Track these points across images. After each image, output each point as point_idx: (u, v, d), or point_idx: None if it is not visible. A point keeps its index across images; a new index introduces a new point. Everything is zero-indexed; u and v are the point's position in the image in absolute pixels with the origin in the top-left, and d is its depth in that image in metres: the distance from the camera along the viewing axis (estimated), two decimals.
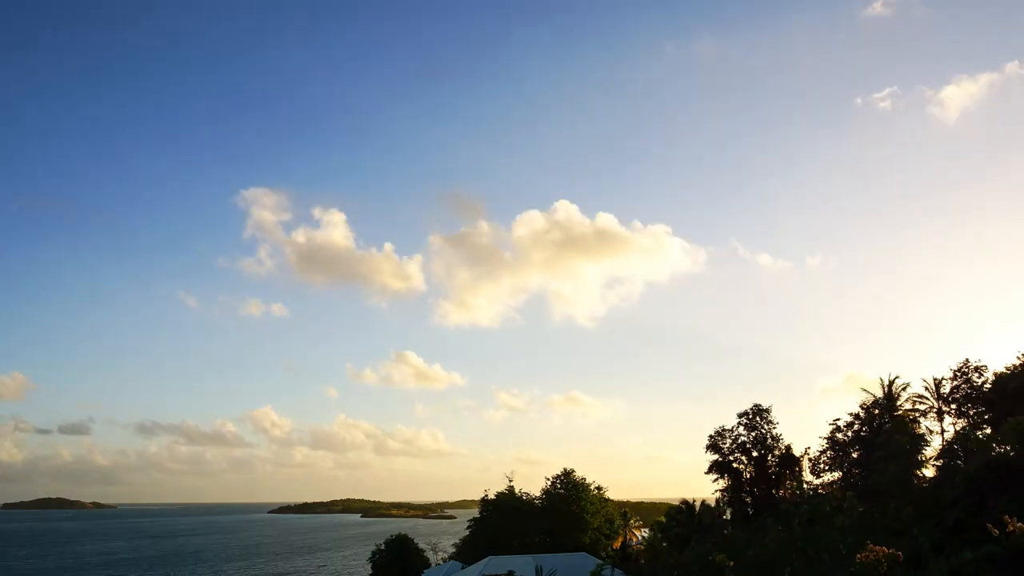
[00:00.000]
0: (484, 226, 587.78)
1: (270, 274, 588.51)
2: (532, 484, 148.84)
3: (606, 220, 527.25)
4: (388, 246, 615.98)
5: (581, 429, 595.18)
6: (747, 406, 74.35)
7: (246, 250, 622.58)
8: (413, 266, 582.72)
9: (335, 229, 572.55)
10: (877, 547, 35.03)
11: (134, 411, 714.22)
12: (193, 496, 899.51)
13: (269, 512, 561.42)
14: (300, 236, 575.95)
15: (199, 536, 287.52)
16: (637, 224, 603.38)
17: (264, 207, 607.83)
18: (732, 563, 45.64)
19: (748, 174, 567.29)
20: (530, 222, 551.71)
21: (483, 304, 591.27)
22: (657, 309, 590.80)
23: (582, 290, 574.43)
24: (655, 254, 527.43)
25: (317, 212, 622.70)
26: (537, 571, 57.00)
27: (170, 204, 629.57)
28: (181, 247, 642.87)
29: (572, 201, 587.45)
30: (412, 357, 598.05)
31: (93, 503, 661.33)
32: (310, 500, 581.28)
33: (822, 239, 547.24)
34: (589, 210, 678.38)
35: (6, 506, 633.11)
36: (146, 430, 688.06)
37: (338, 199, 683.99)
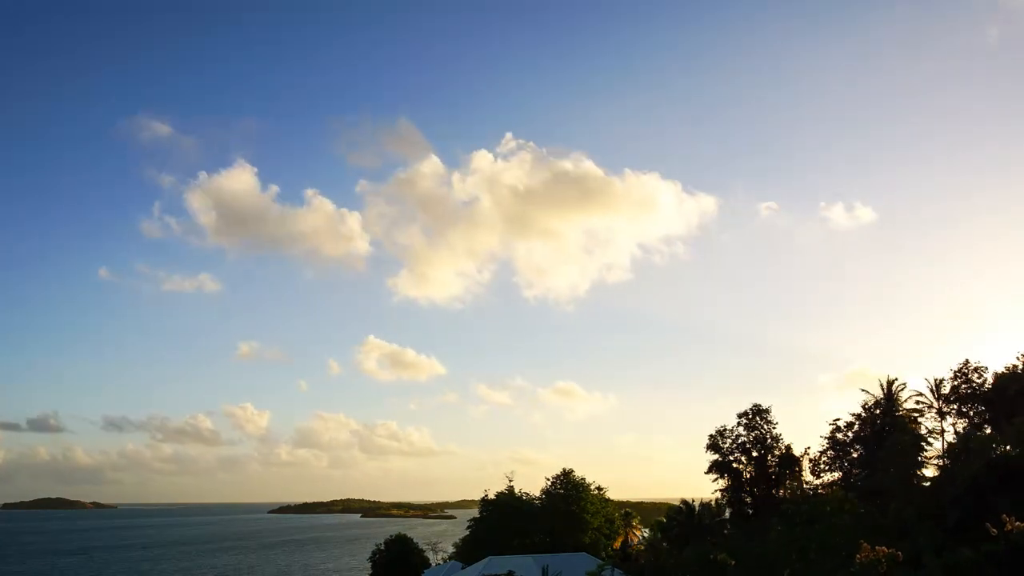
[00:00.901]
0: (428, 168, 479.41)
1: (179, 238, 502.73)
2: (526, 483, 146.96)
3: (579, 163, 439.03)
4: (311, 194, 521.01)
5: (572, 425, 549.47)
6: (747, 404, 74.86)
7: (141, 204, 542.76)
8: (351, 225, 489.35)
9: (240, 172, 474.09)
10: (878, 547, 35.09)
11: (97, 405, 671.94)
12: (188, 496, 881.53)
13: (269, 512, 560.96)
14: (205, 184, 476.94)
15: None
16: (623, 169, 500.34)
17: (149, 143, 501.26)
18: (734, 562, 45.62)
19: (754, 105, 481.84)
20: (481, 163, 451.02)
21: (444, 278, 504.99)
22: (649, 286, 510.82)
23: (558, 257, 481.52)
24: (645, 209, 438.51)
25: (215, 149, 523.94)
26: (544, 571, 57.02)
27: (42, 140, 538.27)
28: (67, 194, 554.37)
29: (530, 139, 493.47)
30: (374, 341, 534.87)
31: (93, 503, 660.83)
32: (309, 500, 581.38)
33: (841, 184, 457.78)
34: (556, 149, 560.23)
35: (6, 506, 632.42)
36: (115, 425, 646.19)
37: (236, 131, 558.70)
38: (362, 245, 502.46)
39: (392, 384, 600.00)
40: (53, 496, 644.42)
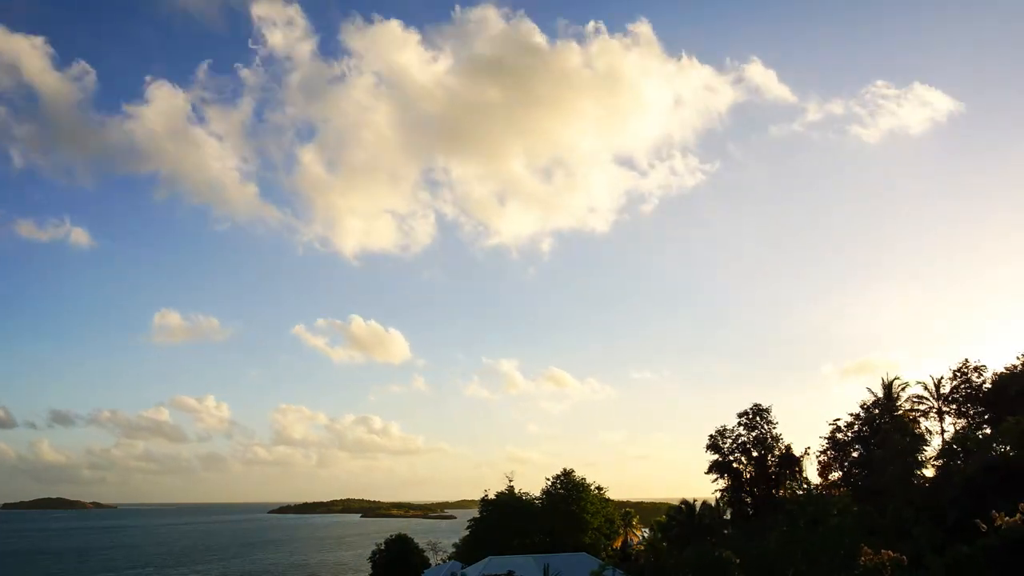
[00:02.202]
0: (288, 30, 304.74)
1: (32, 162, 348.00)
2: (521, 482, 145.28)
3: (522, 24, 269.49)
4: (135, 77, 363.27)
5: (559, 419, 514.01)
6: (748, 399, 75.13)
7: None
8: (214, 127, 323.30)
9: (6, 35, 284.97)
10: (883, 551, 35.28)
11: (36, 398, 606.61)
12: (183, 496, 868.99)
13: (269, 512, 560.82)
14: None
15: None
16: (574, 28, 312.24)
17: None
18: (739, 560, 45.65)
19: None
20: (364, 36, 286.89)
21: (367, 214, 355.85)
22: (640, 232, 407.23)
23: (507, 189, 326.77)
24: (618, 97, 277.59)
25: None
26: (544, 571, 57.18)
27: None
28: None
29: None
30: (312, 315, 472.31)
31: (94, 503, 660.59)
32: (308, 500, 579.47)
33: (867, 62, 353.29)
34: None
35: (6, 506, 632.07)
36: (66, 419, 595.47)
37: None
38: (231, 160, 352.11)
39: (349, 366, 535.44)
40: (53, 496, 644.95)
